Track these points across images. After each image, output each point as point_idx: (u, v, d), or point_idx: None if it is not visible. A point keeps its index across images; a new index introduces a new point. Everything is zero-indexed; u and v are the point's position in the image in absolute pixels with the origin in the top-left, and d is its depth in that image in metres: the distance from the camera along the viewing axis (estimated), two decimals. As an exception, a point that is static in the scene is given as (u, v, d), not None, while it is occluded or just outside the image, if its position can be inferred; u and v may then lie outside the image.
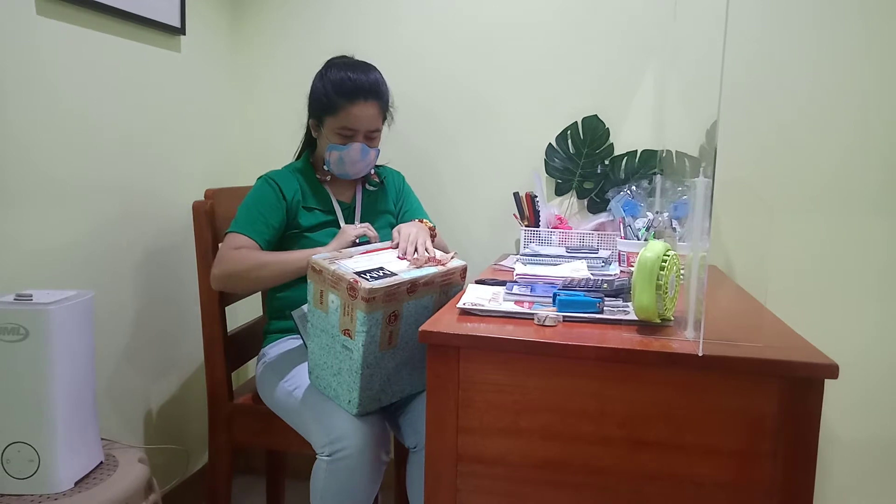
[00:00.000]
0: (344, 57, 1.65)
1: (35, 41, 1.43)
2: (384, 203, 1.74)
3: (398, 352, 1.36)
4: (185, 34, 1.88)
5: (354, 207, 1.68)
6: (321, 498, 1.37)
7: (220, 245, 1.57)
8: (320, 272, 1.33)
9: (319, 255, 1.36)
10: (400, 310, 1.31)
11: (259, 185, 1.60)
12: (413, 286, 1.31)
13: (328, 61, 1.64)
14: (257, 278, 1.51)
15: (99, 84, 1.60)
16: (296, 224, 1.60)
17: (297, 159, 1.73)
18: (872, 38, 1.77)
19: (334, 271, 1.30)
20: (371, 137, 1.61)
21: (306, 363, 1.50)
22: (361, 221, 1.66)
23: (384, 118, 1.64)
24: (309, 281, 1.38)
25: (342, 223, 1.63)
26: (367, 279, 1.25)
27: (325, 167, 1.63)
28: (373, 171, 1.73)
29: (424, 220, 1.60)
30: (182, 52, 1.90)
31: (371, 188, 1.73)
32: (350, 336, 1.30)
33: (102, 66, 1.61)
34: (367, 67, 1.61)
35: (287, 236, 1.60)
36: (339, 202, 1.66)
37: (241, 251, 1.50)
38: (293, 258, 1.48)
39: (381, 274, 1.29)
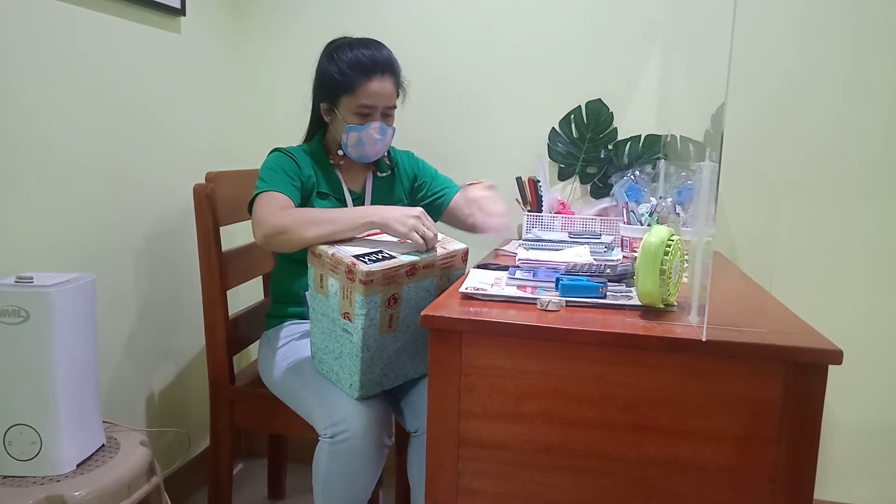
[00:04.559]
0: (345, 37, 1.61)
1: (33, 22, 1.41)
2: (397, 190, 1.71)
3: (399, 336, 1.36)
4: (185, 15, 1.86)
5: (364, 198, 1.65)
6: (324, 480, 1.37)
7: (254, 205, 1.47)
8: (319, 256, 1.33)
9: None
10: (399, 293, 1.31)
11: (277, 156, 1.55)
12: (412, 269, 1.30)
13: (332, 43, 1.60)
14: (308, 235, 1.36)
15: (98, 66, 1.58)
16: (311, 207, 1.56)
17: (306, 142, 1.67)
18: (876, 23, 1.75)
19: (333, 255, 1.29)
20: (387, 115, 1.58)
21: (309, 346, 1.50)
22: None
23: (398, 95, 1.61)
24: (309, 265, 1.38)
25: None
26: (365, 262, 1.25)
27: (339, 151, 1.60)
28: (385, 154, 1.69)
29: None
30: (182, 33, 1.88)
31: (382, 174, 1.69)
32: (350, 319, 1.29)
33: (101, 47, 1.59)
34: (377, 44, 1.58)
35: None
36: (350, 191, 1.63)
37: (291, 210, 1.44)
38: (348, 218, 1.38)
39: (380, 257, 1.28)
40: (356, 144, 1.56)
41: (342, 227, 1.36)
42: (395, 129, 1.61)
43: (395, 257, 1.29)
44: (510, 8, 1.97)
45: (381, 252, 1.31)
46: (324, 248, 1.32)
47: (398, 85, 1.59)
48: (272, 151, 1.58)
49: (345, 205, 1.60)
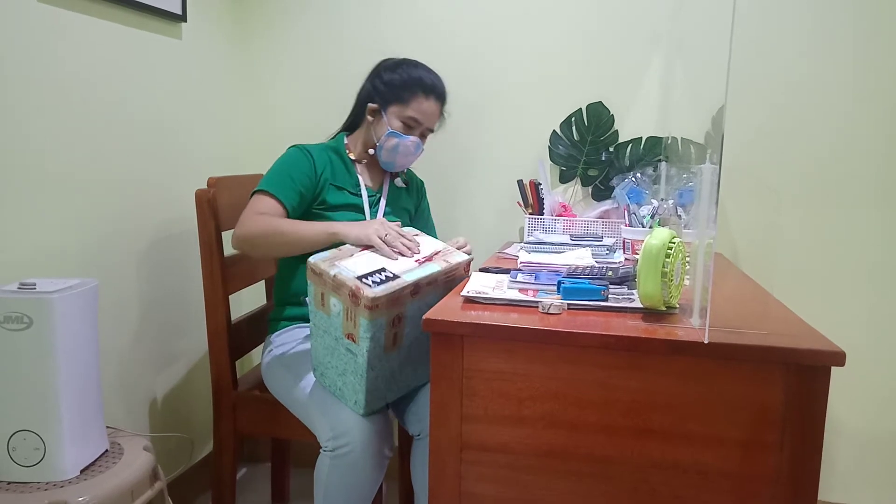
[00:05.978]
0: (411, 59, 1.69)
1: (36, 28, 1.42)
2: (407, 202, 1.77)
3: (403, 350, 1.35)
4: (186, 21, 1.87)
5: (380, 197, 1.69)
6: (325, 490, 1.39)
7: (248, 203, 1.54)
8: (320, 275, 1.30)
9: (318, 256, 1.33)
10: (404, 312, 1.29)
11: (293, 152, 1.61)
12: (416, 288, 1.29)
13: (393, 59, 1.67)
14: (275, 245, 1.50)
15: (99, 72, 1.59)
16: (321, 201, 1.60)
17: (331, 139, 1.73)
18: (875, 30, 1.75)
19: (335, 276, 1.26)
20: (425, 135, 1.67)
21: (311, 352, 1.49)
22: (385, 212, 1.67)
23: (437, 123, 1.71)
24: (308, 281, 1.34)
25: (366, 207, 1.63)
26: (370, 285, 1.22)
27: (371, 151, 1.65)
28: (404, 171, 1.77)
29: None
30: (183, 39, 1.88)
31: (398, 185, 1.75)
32: (354, 340, 1.27)
33: (103, 54, 1.60)
34: (437, 74, 1.68)
35: (309, 212, 1.60)
36: (367, 188, 1.67)
37: (265, 217, 1.50)
38: (312, 231, 1.47)
39: (383, 278, 1.25)
40: (392, 150, 1.63)
41: (307, 244, 1.46)
42: (423, 151, 1.68)
43: (398, 277, 1.26)
44: (511, 11, 1.97)
45: (383, 270, 1.28)
46: (324, 266, 1.28)
47: (441, 114, 1.69)
48: (291, 147, 1.64)
49: (359, 199, 1.64)
